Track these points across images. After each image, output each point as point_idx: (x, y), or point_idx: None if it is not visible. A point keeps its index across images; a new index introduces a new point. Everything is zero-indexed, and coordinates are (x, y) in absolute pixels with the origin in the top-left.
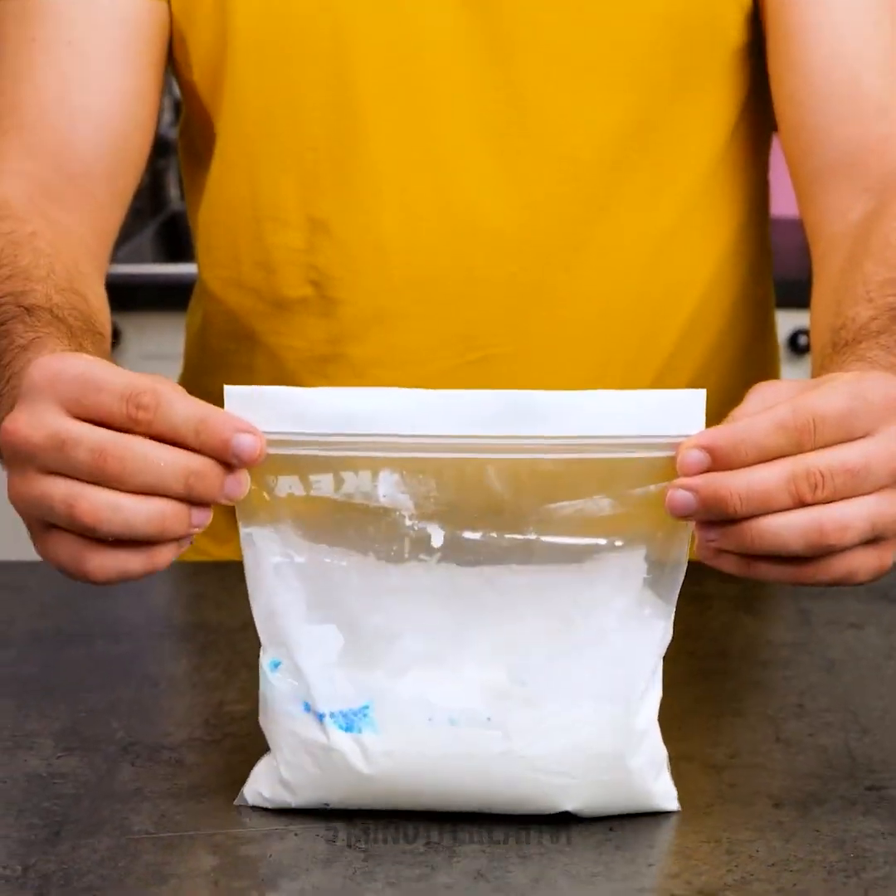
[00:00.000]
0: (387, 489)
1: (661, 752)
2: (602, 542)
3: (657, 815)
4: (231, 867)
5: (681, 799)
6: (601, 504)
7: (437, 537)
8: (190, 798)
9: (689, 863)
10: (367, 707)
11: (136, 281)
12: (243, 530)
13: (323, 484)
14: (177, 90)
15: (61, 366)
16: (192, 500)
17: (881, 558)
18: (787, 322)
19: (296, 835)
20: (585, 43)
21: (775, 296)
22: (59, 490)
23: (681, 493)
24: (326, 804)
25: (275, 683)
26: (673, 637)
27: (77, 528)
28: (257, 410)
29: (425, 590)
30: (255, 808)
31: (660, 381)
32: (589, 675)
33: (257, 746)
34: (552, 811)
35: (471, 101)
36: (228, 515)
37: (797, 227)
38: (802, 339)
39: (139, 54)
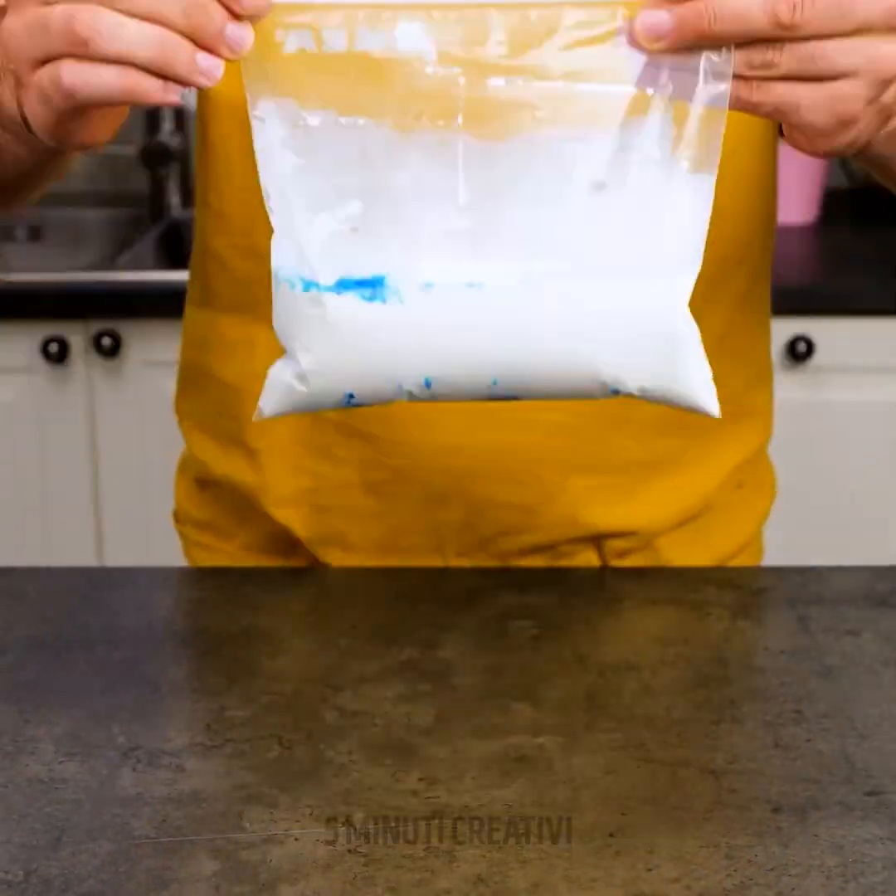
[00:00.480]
0: (406, 38)
1: (702, 356)
2: (631, 89)
3: (655, 821)
4: (231, 872)
5: (679, 804)
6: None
7: (458, 87)
8: (191, 803)
9: (689, 868)
10: (381, 279)
11: (137, 288)
12: (252, 111)
13: (336, 39)
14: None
15: None
16: (194, 38)
17: (838, 101)
18: (787, 328)
19: (296, 839)
20: None
21: (773, 303)
22: (58, 7)
23: (653, 15)
24: (350, 396)
25: (278, 261)
26: (671, 644)
27: (73, 47)
28: None
29: (446, 159)
30: (255, 813)
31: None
32: (629, 242)
33: (259, 752)
34: (592, 386)
35: None
36: (233, 513)
37: (796, 232)
38: (801, 346)
39: None
